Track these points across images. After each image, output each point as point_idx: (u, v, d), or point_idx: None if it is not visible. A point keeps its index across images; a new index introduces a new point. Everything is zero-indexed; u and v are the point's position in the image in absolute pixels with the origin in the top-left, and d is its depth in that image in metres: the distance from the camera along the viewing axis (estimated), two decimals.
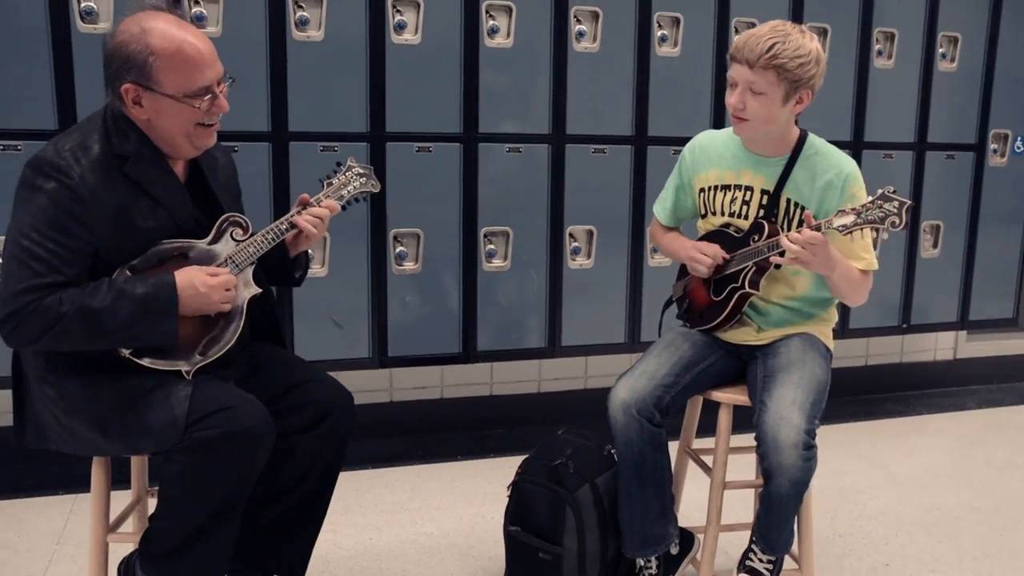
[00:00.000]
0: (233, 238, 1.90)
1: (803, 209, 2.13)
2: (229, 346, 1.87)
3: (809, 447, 1.98)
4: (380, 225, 2.92)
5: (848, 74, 3.32)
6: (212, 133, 1.86)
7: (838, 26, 3.28)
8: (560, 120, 3.01)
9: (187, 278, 1.79)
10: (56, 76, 2.55)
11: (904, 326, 3.61)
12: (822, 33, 3.25)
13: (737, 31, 3.12)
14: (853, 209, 1.98)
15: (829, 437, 3.51)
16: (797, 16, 3.21)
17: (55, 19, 2.52)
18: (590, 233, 3.12)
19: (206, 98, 1.79)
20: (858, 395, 3.93)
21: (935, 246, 3.59)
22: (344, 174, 2.05)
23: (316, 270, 2.89)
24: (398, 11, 2.82)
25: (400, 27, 2.81)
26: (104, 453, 1.85)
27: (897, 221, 1.93)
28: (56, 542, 2.55)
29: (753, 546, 2.18)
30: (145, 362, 1.80)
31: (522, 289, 3.10)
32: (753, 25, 2.95)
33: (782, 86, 2.02)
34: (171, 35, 1.75)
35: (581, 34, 2.98)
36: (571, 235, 3.11)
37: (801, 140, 2.17)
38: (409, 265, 2.98)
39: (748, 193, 2.19)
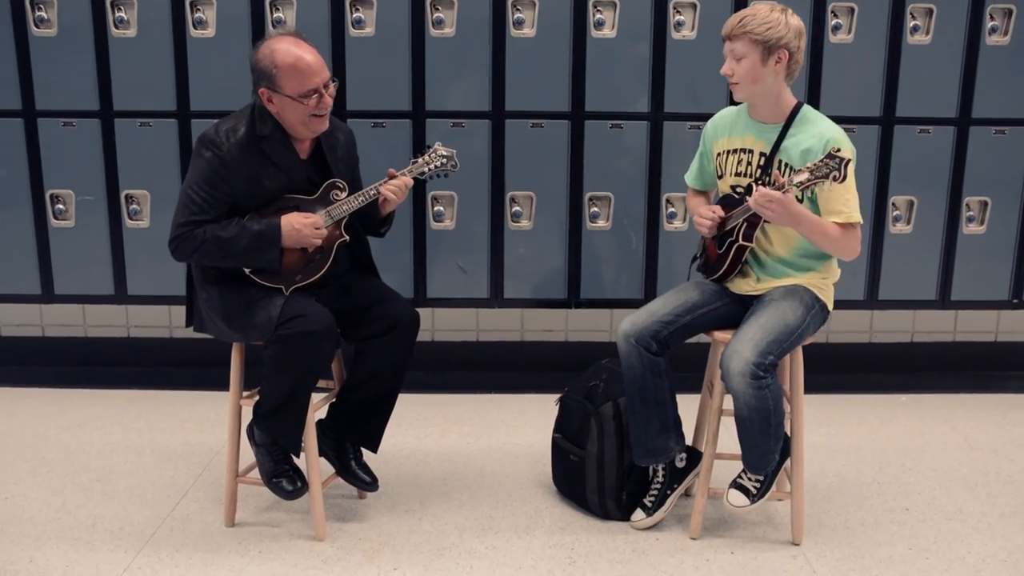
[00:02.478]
0: (333, 197, 2.57)
1: (792, 170, 2.46)
2: (317, 276, 2.55)
3: (757, 377, 2.34)
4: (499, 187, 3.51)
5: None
6: (324, 120, 2.51)
7: (944, 6, 3.39)
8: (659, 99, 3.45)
9: (288, 220, 2.48)
10: (176, 71, 3.37)
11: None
12: (926, 14, 3.39)
13: None
14: (808, 168, 2.32)
15: (923, 402, 3.67)
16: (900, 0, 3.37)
17: (176, 26, 3.33)
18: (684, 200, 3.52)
19: (314, 97, 2.45)
20: (986, 370, 3.97)
21: None
22: (428, 155, 2.66)
23: (446, 223, 3.54)
24: (517, 9, 3.38)
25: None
26: (231, 339, 2.59)
27: (837, 175, 2.26)
28: (216, 414, 3.42)
29: (743, 468, 2.56)
30: (259, 279, 2.53)
31: (622, 247, 3.57)
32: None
33: (757, 48, 2.40)
34: (290, 53, 2.42)
35: (679, 24, 3.38)
36: (667, 201, 3.53)
37: (796, 110, 2.50)
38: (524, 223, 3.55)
39: (749, 155, 2.56)
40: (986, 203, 3.57)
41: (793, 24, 2.43)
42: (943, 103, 3.48)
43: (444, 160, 2.65)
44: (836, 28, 3.39)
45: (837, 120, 2.53)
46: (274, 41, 2.46)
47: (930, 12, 3.40)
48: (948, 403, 3.69)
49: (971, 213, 3.57)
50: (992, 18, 3.42)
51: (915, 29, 3.41)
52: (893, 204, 3.54)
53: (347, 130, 2.73)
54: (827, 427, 3.42)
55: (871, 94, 3.46)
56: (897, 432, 3.41)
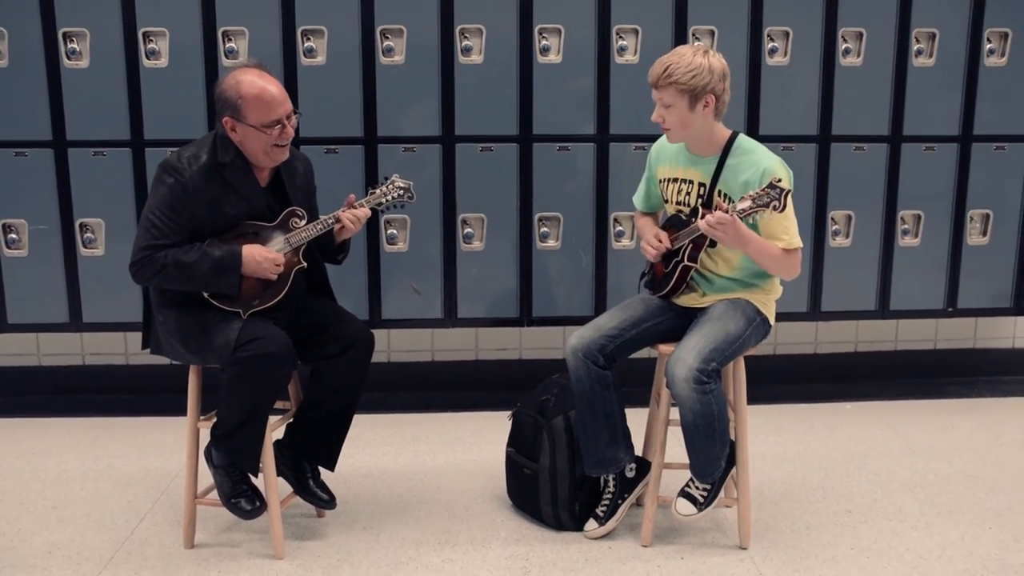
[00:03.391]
0: (292, 225, 2.63)
1: (731, 200, 2.56)
2: (275, 301, 2.60)
3: (701, 383, 2.44)
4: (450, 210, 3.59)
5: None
6: (285, 151, 2.58)
7: (875, 28, 3.56)
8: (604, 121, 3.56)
9: (249, 251, 2.54)
10: (130, 100, 3.42)
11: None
12: (857, 37, 3.55)
13: (697, 37, 3.50)
14: (750, 196, 2.42)
15: (867, 410, 3.80)
16: (830, 22, 3.52)
17: (129, 56, 3.39)
18: (632, 219, 3.62)
19: (277, 127, 2.52)
20: (927, 377, 4.12)
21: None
22: (386, 186, 2.73)
23: (399, 246, 3.60)
24: (465, 37, 3.47)
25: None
26: (188, 361, 2.63)
27: (777, 205, 2.36)
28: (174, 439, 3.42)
29: (691, 476, 2.65)
30: (217, 303, 2.57)
31: (572, 266, 3.66)
32: (712, 32, 3.48)
33: (684, 97, 2.49)
34: (255, 84, 2.49)
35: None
36: (615, 220, 3.63)
37: (731, 140, 2.61)
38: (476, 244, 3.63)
39: (689, 186, 2.66)
40: (919, 216, 3.72)
41: (716, 67, 2.51)
42: (876, 121, 3.64)
43: (401, 192, 2.72)
44: (772, 51, 3.54)
45: (776, 139, 2.66)
46: (239, 72, 2.52)
47: (860, 35, 3.56)
48: (891, 409, 3.82)
49: (906, 226, 3.72)
50: (918, 41, 3.59)
51: (847, 52, 3.56)
52: (832, 219, 3.68)
53: (305, 160, 2.80)
54: (774, 436, 3.53)
55: (808, 114, 3.61)
56: (842, 439, 3.52)
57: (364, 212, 2.67)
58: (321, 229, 2.62)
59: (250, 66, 2.56)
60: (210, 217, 2.54)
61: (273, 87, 2.51)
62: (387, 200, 2.71)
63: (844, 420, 3.72)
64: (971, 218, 3.73)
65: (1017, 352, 4.19)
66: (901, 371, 4.13)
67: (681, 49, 2.54)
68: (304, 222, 2.62)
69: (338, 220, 2.63)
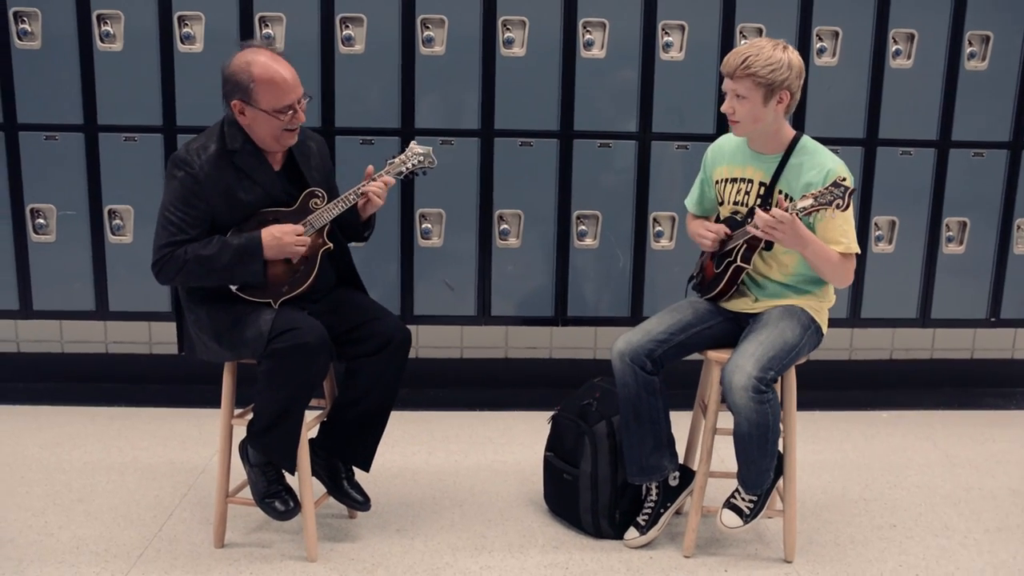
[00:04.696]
0: (312, 207, 2.55)
1: (792, 200, 2.49)
2: (305, 286, 2.52)
3: (759, 391, 2.36)
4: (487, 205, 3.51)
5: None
6: (294, 135, 2.50)
7: (926, 30, 3.47)
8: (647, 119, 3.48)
9: (268, 231, 2.46)
10: (163, 85, 3.35)
11: None
12: (908, 38, 3.46)
13: (744, 35, 3.41)
14: (812, 194, 2.35)
15: (903, 419, 3.72)
16: (881, 22, 3.44)
17: (164, 40, 3.31)
18: (672, 219, 3.54)
19: (288, 113, 2.44)
20: (963, 387, 4.04)
21: None
22: (405, 154, 2.63)
23: (434, 241, 3.53)
24: (508, 28, 3.39)
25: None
26: (222, 359, 2.55)
27: (840, 203, 2.29)
28: (200, 431, 3.38)
29: (738, 487, 2.58)
30: (246, 295, 2.50)
31: (609, 266, 3.58)
32: (760, 30, 3.38)
33: (759, 90, 2.41)
34: (268, 68, 2.41)
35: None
36: (655, 220, 3.55)
37: (795, 140, 2.53)
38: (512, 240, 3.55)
39: (749, 185, 2.58)
40: (965, 223, 3.64)
41: (795, 64, 2.44)
42: (924, 126, 3.55)
43: (421, 158, 2.62)
44: (821, 51, 3.45)
45: (821, 142, 2.57)
46: (250, 53, 2.44)
47: (911, 37, 3.47)
48: (928, 419, 3.75)
49: (951, 233, 3.64)
50: (970, 44, 3.50)
51: (897, 53, 3.48)
52: (876, 224, 3.60)
53: (319, 139, 2.72)
54: (811, 444, 3.45)
55: (855, 116, 3.52)
56: (880, 449, 3.45)
57: (388, 180, 2.57)
58: (344, 206, 2.53)
59: (259, 46, 2.47)
60: (226, 206, 2.47)
61: (286, 71, 2.43)
62: (407, 167, 2.62)
63: (881, 429, 3.64)
64: (1018, 227, 3.64)
65: None
66: (937, 380, 4.05)
67: (760, 41, 2.45)
68: (324, 202, 2.54)
69: (364, 194, 2.54)
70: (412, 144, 2.65)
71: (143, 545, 2.65)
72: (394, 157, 2.63)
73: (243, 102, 2.43)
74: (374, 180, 2.56)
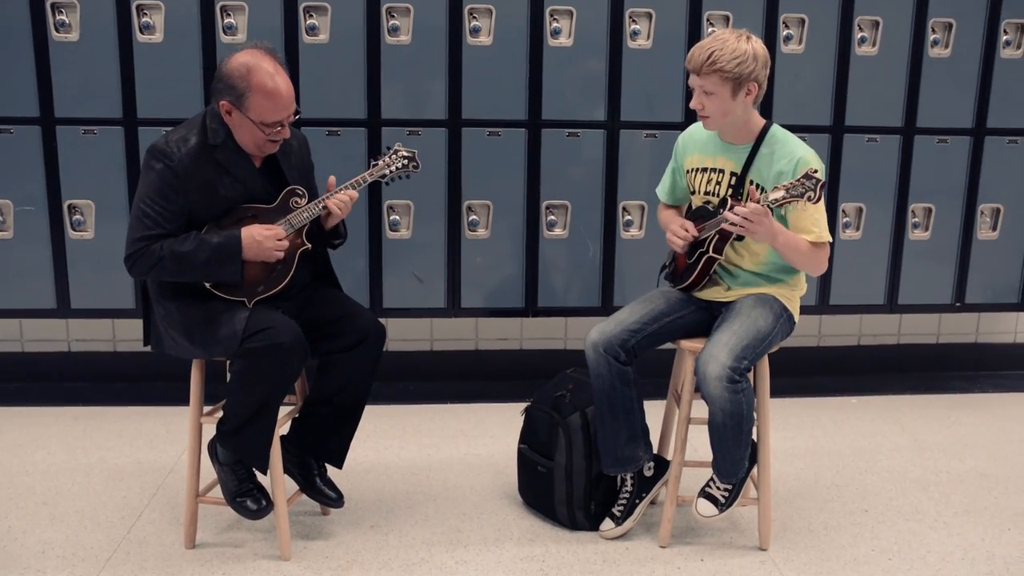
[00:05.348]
0: (292, 205, 2.50)
1: (763, 189, 2.48)
2: (281, 286, 2.48)
3: (734, 381, 2.36)
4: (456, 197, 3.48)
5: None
6: (276, 146, 2.45)
7: (891, 17, 3.49)
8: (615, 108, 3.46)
9: (248, 232, 2.41)
10: (122, 77, 3.27)
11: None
12: (873, 26, 3.47)
13: (712, 23, 3.41)
14: (784, 186, 2.34)
15: (872, 404, 3.76)
16: (847, 10, 3.45)
17: (122, 30, 3.24)
18: (641, 208, 3.54)
19: (276, 128, 2.39)
20: (930, 371, 4.09)
21: None
22: (389, 156, 2.60)
23: (402, 232, 3.49)
24: (474, 17, 3.35)
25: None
26: (192, 355, 2.50)
27: (812, 195, 2.29)
28: (167, 430, 3.32)
29: (712, 476, 2.58)
30: (220, 293, 2.45)
31: (578, 256, 3.57)
32: (727, 18, 3.38)
33: (727, 84, 2.39)
34: (268, 80, 2.33)
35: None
36: (624, 209, 3.54)
37: (765, 130, 2.53)
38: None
39: (720, 175, 2.57)
40: (930, 210, 3.67)
41: (761, 54, 2.42)
42: (889, 112, 3.57)
43: (406, 161, 2.59)
44: (788, 38, 3.45)
45: (788, 129, 2.56)
46: (252, 57, 2.36)
47: (876, 24, 3.49)
48: (896, 404, 3.79)
49: (916, 219, 3.67)
50: (934, 31, 3.52)
51: (862, 40, 3.49)
52: (843, 211, 3.62)
53: (301, 137, 2.67)
54: (782, 431, 3.47)
55: (821, 103, 3.53)
56: (850, 434, 3.48)
57: (352, 194, 2.52)
58: (321, 209, 2.49)
59: (262, 50, 2.39)
60: (205, 201, 2.41)
61: (284, 87, 2.36)
62: (391, 171, 2.58)
63: (850, 415, 3.67)
64: (982, 212, 3.69)
65: (1019, 347, 4.17)
66: (904, 365, 4.09)
67: (723, 34, 2.43)
68: (305, 201, 2.50)
69: (325, 207, 2.50)
70: (398, 145, 2.61)
71: (111, 548, 2.60)
72: (378, 159, 2.59)
73: (233, 105, 2.36)
74: (337, 192, 2.51)
